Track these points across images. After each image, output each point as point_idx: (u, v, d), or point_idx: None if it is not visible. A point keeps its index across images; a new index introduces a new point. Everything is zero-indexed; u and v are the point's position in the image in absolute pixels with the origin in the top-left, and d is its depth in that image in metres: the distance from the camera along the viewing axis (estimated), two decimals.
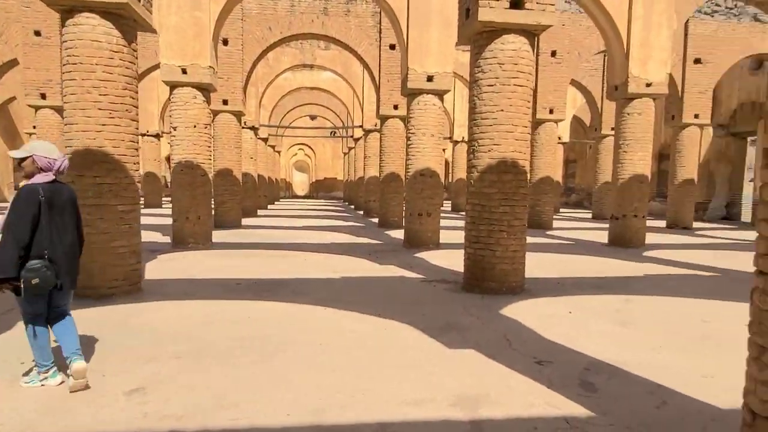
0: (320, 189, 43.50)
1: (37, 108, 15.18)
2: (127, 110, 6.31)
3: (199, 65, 10.51)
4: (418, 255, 10.57)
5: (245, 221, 17.60)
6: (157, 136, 25.36)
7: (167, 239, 11.84)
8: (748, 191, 23.53)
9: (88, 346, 4.45)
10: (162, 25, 10.49)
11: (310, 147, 42.87)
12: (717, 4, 39.72)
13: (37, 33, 14.46)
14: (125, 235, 6.32)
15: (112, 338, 4.71)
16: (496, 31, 6.64)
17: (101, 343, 4.55)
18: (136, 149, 6.52)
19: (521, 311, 5.95)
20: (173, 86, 10.64)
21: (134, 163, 6.46)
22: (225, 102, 15.26)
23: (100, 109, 6.09)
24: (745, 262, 10.31)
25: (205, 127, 10.85)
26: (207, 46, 10.58)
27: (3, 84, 22.86)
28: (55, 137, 14.86)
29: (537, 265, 9.23)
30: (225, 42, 15.37)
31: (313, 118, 38.19)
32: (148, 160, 25.24)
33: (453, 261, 9.42)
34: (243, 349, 4.47)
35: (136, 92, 6.52)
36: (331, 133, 38.30)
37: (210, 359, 4.20)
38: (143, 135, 25.78)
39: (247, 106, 19.24)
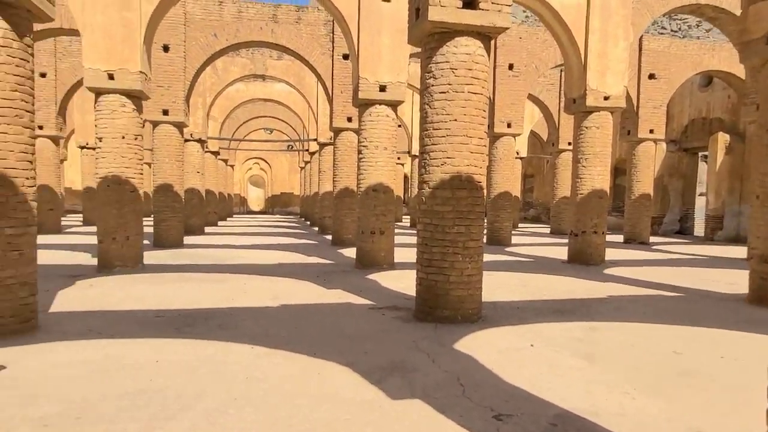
0: (276, 204, 42.28)
1: None
2: (17, 116, 5.34)
3: (128, 70, 9.55)
4: (370, 276, 9.81)
5: (190, 240, 16.47)
6: None
7: (95, 261, 10.69)
8: (700, 205, 23.87)
9: None
10: (86, 25, 9.50)
11: (266, 161, 41.68)
12: (663, 27, 40.96)
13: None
14: (14, 263, 5.30)
15: None
16: (448, 32, 6.01)
17: None
18: (30, 161, 5.54)
19: (478, 345, 5.25)
20: (98, 93, 9.61)
21: (27, 178, 5.47)
22: (165, 112, 14.25)
23: None
24: (705, 280, 9.98)
25: (135, 139, 9.84)
26: (137, 49, 9.64)
27: None
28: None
29: (496, 286, 8.61)
30: (166, 48, 14.44)
31: (269, 131, 37.19)
32: (88, 175, 23.74)
33: (407, 283, 8.71)
34: (133, 410, 3.58)
35: (31, 94, 5.56)
36: (288, 146, 37.35)
37: (85, 429, 3.29)
38: (82, 148, 24.27)
39: (193, 117, 18.23)
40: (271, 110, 29.11)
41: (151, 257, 11.89)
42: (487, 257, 13.16)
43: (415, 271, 6.56)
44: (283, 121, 30.22)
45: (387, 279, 9.47)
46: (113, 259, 9.72)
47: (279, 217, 36.41)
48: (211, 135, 22.84)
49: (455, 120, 6.01)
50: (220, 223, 26.02)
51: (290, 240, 17.75)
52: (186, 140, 18.50)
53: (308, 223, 28.13)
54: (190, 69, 15.03)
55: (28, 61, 5.50)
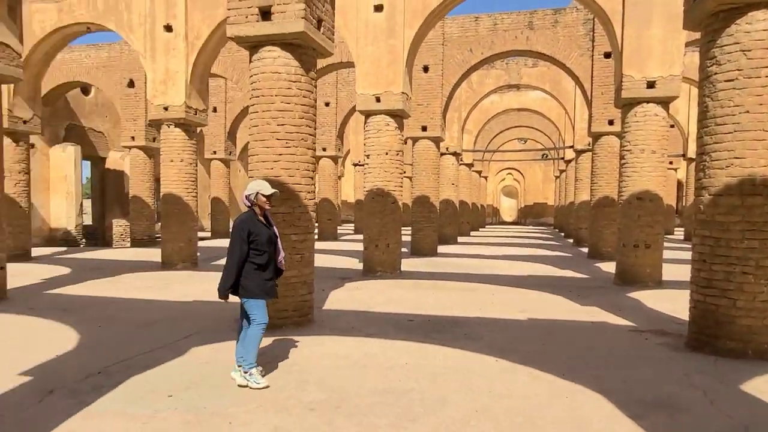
0: (529, 215, 41.45)
1: None
2: (302, 139, 6.30)
3: (392, 92, 10.49)
4: (631, 294, 8.75)
5: (443, 249, 17.25)
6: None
7: (361, 266, 11.99)
8: None
9: (232, 386, 4.28)
10: (359, 56, 10.78)
11: (519, 171, 41.31)
12: None
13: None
14: (297, 265, 6.26)
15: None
16: (737, 8, 4.98)
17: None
18: (311, 177, 6.47)
19: None
20: (368, 114, 10.80)
21: (308, 192, 6.41)
22: (424, 128, 15.24)
23: (277, 139, 6.18)
24: None
25: (397, 154, 10.75)
26: (400, 72, 10.52)
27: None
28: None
29: None
30: (425, 69, 15.45)
31: (523, 141, 36.79)
32: (359, 189, 26.97)
33: (678, 305, 7.49)
34: (382, 407, 3.81)
35: (314, 119, 6.50)
36: (542, 155, 36.36)
37: (342, 418, 3.62)
38: (355, 165, 27.59)
39: (448, 131, 19.12)
40: (525, 119, 28.72)
41: (407, 264, 12.80)
42: None
43: (688, 292, 5.58)
44: (537, 129, 29.51)
45: (652, 299, 8.31)
46: (375, 264, 10.75)
47: (531, 228, 35.62)
48: (465, 148, 23.64)
49: (746, 112, 4.92)
50: (472, 233, 26.68)
51: (542, 252, 17.12)
52: (442, 154, 19.50)
53: (562, 234, 26.80)
54: (447, 86, 15.80)
55: (312, 92, 6.44)
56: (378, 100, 10.55)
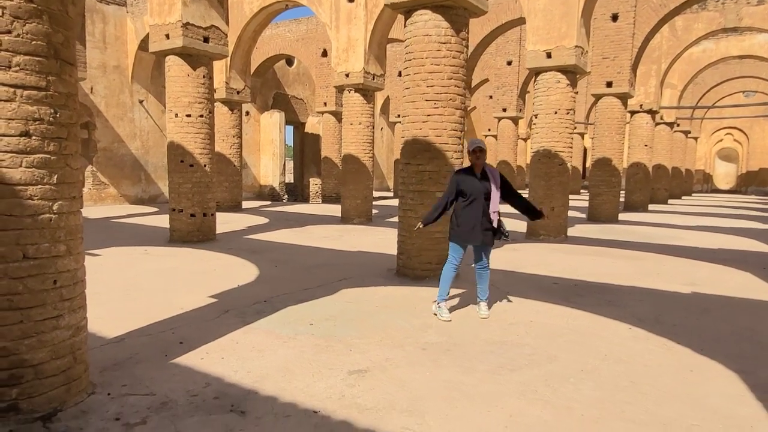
0: (752, 182, 35.19)
1: None
2: (450, 99, 6.48)
3: (564, 47, 9.93)
4: None
5: (628, 216, 15.91)
6: None
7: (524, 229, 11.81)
8: None
9: (363, 322, 4.84)
10: (530, 11, 10.38)
11: (741, 131, 35.14)
12: None
13: None
14: (442, 221, 6.54)
15: (389, 318, 4.98)
16: None
17: (375, 320, 4.87)
18: (459, 138, 6.64)
19: None
20: (538, 72, 10.41)
21: (455, 152, 6.60)
22: (609, 84, 14.06)
23: (426, 100, 6.46)
24: None
25: (567, 113, 10.21)
26: (574, 24, 9.89)
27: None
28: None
29: None
30: (614, 18, 14.13)
31: (749, 94, 31.19)
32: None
33: None
34: (489, 355, 3.99)
35: (463, 79, 6.61)
36: None
37: (448, 359, 3.91)
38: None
39: (644, 87, 17.32)
40: (749, 69, 24.36)
41: (578, 230, 12.22)
42: None
43: None
44: (766, 80, 24.81)
45: None
46: (538, 228, 10.50)
47: (752, 198, 30.40)
48: (666, 104, 21.06)
49: None
50: (670, 201, 23.88)
51: (752, 224, 14.72)
52: (633, 112, 17.79)
53: None
54: (639, 35, 14.24)
55: (462, 53, 6.54)
56: (549, 56, 10.08)
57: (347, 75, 12.81)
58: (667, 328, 4.74)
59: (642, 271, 7.53)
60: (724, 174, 37.30)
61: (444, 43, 6.40)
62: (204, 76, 9.42)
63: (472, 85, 24.96)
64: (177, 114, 9.31)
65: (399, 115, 24.31)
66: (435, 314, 4.98)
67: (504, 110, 20.89)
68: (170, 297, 5.57)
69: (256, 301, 5.48)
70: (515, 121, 21.52)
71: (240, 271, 6.99)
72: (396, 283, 6.44)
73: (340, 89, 13.61)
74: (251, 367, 3.66)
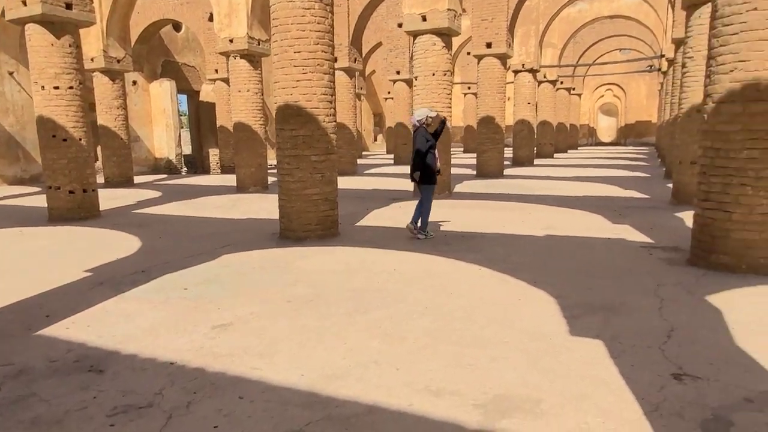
0: (630, 134, 38.59)
1: None
2: (318, 64, 6.68)
3: (438, 10, 10.33)
4: (679, 214, 8.44)
5: (514, 171, 17.06)
6: None
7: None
8: None
9: (237, 283, 5.06)
10: None
11: (620, 86, 38.17)
12: None
13: None
14: (318, 183, 6.85)
15: (262, 277, 5.24)
16: None
17: (248, 280, 5.12)
18: (330, 102, 6.88)
19: (746, 302, 4.13)
20: (415, 35, 10.78)
21: (327, 116, 6.85)
22: (488, 45, 14.76)
23: (294, 66, 6.61)
24: None
25: (444, 75, 10.71)
26: None
27: None
28: (345, 96, 17.07)
29: None
30: None
31: (625, 51, 33.76)
32: None
33: None
34: (348, 302, 4.38)
35: (330, 44, 6.81)
36: (648, 67, 33.22)
37: (309, 308, 4.25)
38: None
39: (524, 47, 18.28)
40: (621, 28, 26.36)
41: (465, 186, 13.00)
42: None
43: None
44: (637, 38, 27.01)
45: None
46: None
47: (629, 149, 33.39)
48: (548, 63, 22.41)
49: (754, 9, 4.53)
50: (556, 155, 25.70)
51: (620, 172, 16.35)
52: (517, 71, 18.81)
53: (657, 154, 25.01)
54: None
55: (327, 18, 6.72)
56: (424, 19, 10.46)
57: (231, 41, 12.53)
58: (511, 266, 5.38)
59: (511, 219, 8.29)
60: (606, 127, 40.47)
61: (308, 9, 6.54)
62: (71, 45, 8.90)
63: (368, 48, 25.07)
64: (44, 86, 8.78)
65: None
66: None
67: (398, 72, 21.30)
68: (43, 275, 5.47)
69: (134, 271, 5.53)
70: (409, 83, 21.99)
71: (122, 245, 6.92)
72: (277, 245, 6.69)
73: (225, 55, 13.30)
74: (117, 332, 3.80)
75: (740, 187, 4.76)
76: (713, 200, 4.97)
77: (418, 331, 3.69)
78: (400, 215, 8.80)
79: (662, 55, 18.61)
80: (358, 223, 8.18)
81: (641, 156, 25.34)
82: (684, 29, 12.23)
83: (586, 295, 4.40)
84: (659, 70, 24.44)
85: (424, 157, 6.79)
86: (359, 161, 25.30)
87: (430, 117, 6.93)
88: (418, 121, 6.88)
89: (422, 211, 6.92)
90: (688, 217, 8.16)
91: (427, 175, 6.89)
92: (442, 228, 7.57)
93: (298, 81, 6.64)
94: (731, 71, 4.72)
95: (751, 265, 4.81)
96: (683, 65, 9.07)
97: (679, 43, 12.94)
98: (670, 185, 12.32)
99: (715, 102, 4.89)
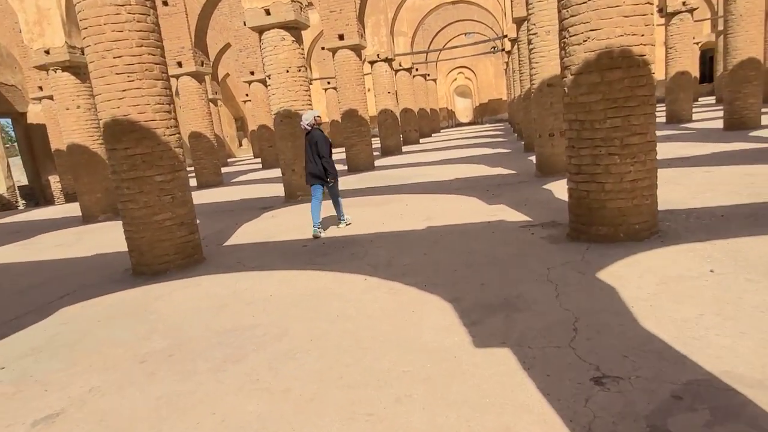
0: (485, 113, 40.86)
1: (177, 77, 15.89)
2: (147, 69, 5.69)
3: (281, 2, 9.63)
4: (546, 186, 8.64)
5: (385, 161, 16.92)
6: None
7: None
8: None
9: (75, 347, 4.05)
10: None
11: (470, 69, 40.14)
12: None
13: (165, 3, 14.98)
14: (169, 206, 5.89)
15: (109, 333, 4.27)
16: None
17: (91, 340, 4.13)
18: (169, 111, 5.93)
19: (633, 272, 4.06)
20: (261, 31, 9.98)
21: (168, 128, 5.90)
22: (341, 37, 14.33)
23: (117, 73, 5.57)
24: None
25: (299, 70, 10.07)
26: None
27: None
28: (197, 103, 15.69)
29: (707, 188, 6.75)
30: None
31: (469, 35, 35.43)
32: None
33: None
34: (217, 348, 3.63)
35: (159, 45, 5.86)
36: (492, 49, 35.16)
37: (167, 367, 3.44)
38: None
39: (377, 36, 18.14)
40: (464, 12, 27.47)
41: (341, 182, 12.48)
42: (714, 147, 10.54)
43: None
44: (479, 22, 28.34)
45: (563, 188, 8.15)
46: (295, 189, 10.41)
47: (487, 127, 35.26)
48: (402, 51, 22.63)
49: None
50: (422, 140, 26.26)
51: (483, 150, 16.90)
52: (373, 62, 18.66)
53: (512, 130, 26.57)
54: None
55: (148, 15, 5.74)
56: (268, 12, 9.70)
57: (47, 52, 10.77)
58: (398, 271, 4.94)
59: (390, 214, 7.92)
60: (463, 109, 42.42)
61: (122, 5, 5.52)
62: None
63: (216, 50, 23.56)
64: None
65: None
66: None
67: (252, 73, 20.19)
68: None
69: None
70: (266, 83, 20.97)
71: None
72: (130, 285, 5.65)
73: (44, 69, 11.43)
74: None
75: (609, 156, 4.73)
76: (585, 172, 4.91)
77: (304, 376, 3.07)
78: (273, 227, 8.05)
79: (505, 36, 19.52)
80: (226, 243, 7.31)
81: (498, 132, 26.71)
82: (525, 8, 12.75)
83: (481, 292, 4.07)
84: (503, 50, 25.86)
85: (330, 157, 7.00)
86: (225, 170, 23.85)
87: (318, 116, 7.09)
88: (308, 124, 6.97)
89: (337, 202, 7.32)
90: (555, 187, 8.41)
91: (334, 173, 7.09)
92: (318, 235, 6.97)
93: (124, 91, 5.60)
94: (585, 41, 4.65)
95: (628, 233, 4.83)
96: (529, 42, 9.30)
97: (520, 22, 13.50)
98: (531, 158, 12.90)
99: (573, 74, 4.81)
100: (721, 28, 22.98)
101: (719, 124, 15.18)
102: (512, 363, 2.87)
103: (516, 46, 16.08)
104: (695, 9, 16.72)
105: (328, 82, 28.61)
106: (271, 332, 3.81)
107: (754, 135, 11.93)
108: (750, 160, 8.56)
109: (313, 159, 6.96)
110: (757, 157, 8.87)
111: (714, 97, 27.21)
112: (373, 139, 17.98)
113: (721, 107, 22.06)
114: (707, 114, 19.96)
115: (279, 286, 4.95)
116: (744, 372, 2.47)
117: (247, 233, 7.85)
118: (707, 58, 33.08)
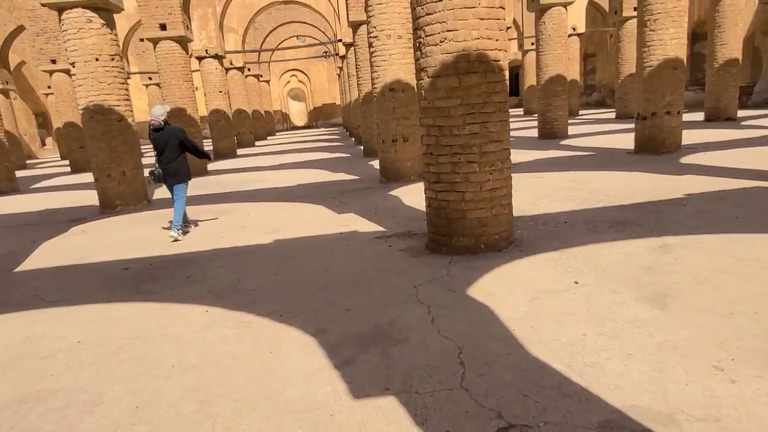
0: (320, 117, 40.75)
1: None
2: None
3: None
4: (392, 192, 8.49)
5: (218, 165, 15.62)
6: None
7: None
8: None
9: None
10: None
11: (303, 72, 39.69)
12: None
13: None
14: None
15: None
16: None
17: None
18: None
19: (502, 287, 3.89)
20: (60, 9, 8.30)
21: None
22: (163, 27, 12.79)
23: None
24: None
25: (112, 60, 8.59)
26: None
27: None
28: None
29: (542, 194, 7.09)
30: None
31: (301, 38, 34.95)
32: None
33: None
34: (5, 429, 2.59)
35: None
36: (324, 53, 35.09)
37: None
38: None
39: (204, 30, 16.73)
40: (296, 14, 26.92)
41: (167, 192, 11.05)
42: (537, 154, 11.45)
43: None
44: (311, 25, 28.00)
45: (411, 194, 8.11)
46: (113, 198, 8.89)
47: (322, 131, 35.12)
48: (231, 48, 21.30)
49: None
50: (257, 143, 25.09)
51: (322, 155, 16.52)
52: (201, 58, 17.19)
53: (348, 134, 26.73)
54: None
55: None
56: None
57: None
58: (246, 297, 4.20)
59: (230, 226, 7.05)
60: (298, 112, 41.79)
61: None
62: None
63: (5, 34, 19.92)
64: None
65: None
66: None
67: (53, 62, 17.24)
68: None
69: None
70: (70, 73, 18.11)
71: None
72: None
73: None
74: None
75: (468, 164, 4.56)
76: (445, 181, 4.69)
77: None
78: (85, 245, 6.65)
79: (339, 40, 19.39)
80: (19, 268, 5.80)
81: (335, 137, 26.63)
82: (364, 11, 12.61)
83: (347, 320, 3.56)
84: (336, 54, 25.85)
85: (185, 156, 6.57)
86: (22, 173, 20.05)
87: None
88: (162, 120, 6.36)
89: (178, 207, 6.66)
90: (403, 193, 8.30)
91: (187, 173, 6.67)
92: (148, 255, 5.85)
93: None
94: (441, 42, 4.40)
95: (488, 243, 4.72)
96: (370, 45, 9.09)
97: (356, 26, 13.36)
98: (372, 163, 12.83)
99: (430, 76, 4.55)
100: (527, 47, 25.71)
101: (532, 132, 16.78)
102: (402, 418, 2.38)
103: (353, 50, 15.96)
104: (508, 28, 18.30)
105: (150, 78, 25.90)
106: (77, 401, 2.84)
107: (564, 144, 13.30)
108: (570, 167, 9.37)
109: (176, 157, 6.42)
110: (575, 163, 9.77)
111: (522, 109, 30.38)
112: (204, 141, 16.50)
113: (529, 118, 24.69)
114: (519, 124, 22.06)
115: (91, 327, 3.88)
116: (650, 404, 2.30)
117: (50, 254, 6.35)
118: (513, 75, 37.01)
